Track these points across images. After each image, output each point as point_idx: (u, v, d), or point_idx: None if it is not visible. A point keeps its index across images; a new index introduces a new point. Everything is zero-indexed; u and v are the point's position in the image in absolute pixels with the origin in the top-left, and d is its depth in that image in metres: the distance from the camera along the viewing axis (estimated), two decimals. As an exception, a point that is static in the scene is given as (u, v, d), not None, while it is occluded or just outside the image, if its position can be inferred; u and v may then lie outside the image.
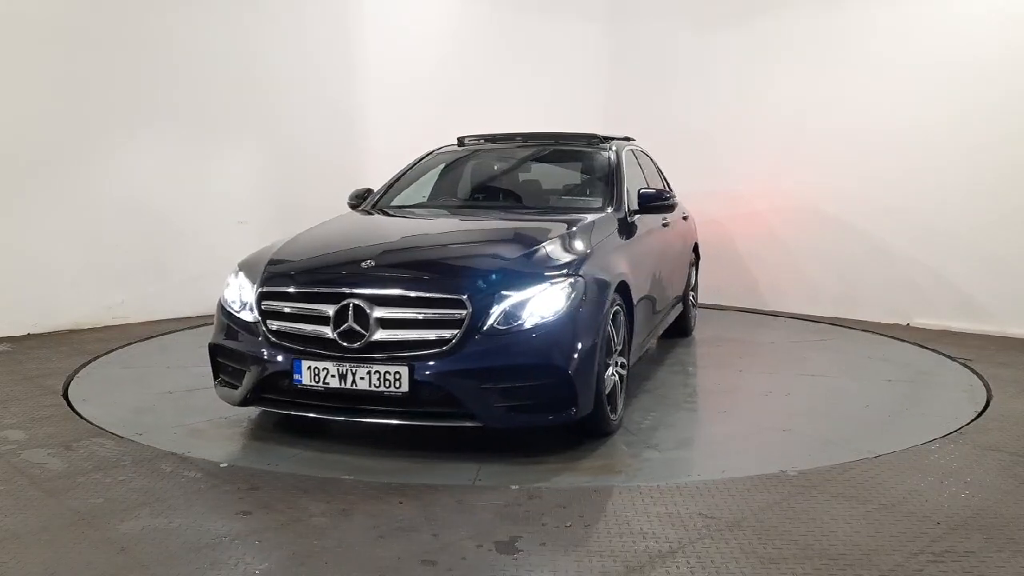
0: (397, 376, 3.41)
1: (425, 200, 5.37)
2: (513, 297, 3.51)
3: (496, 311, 3.47)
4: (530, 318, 3.49)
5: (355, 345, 3.48)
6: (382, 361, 3.44)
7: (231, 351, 3.83)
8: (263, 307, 3.74)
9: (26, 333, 6.32)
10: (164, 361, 5.56)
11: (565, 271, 3.68)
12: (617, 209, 4.68)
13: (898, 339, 6.41)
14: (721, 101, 8.20)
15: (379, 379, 3.43)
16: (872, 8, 7.18)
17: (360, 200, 5.26)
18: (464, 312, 3.45)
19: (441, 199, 5.39)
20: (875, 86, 7.13)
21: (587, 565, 2.62)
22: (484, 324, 3.44)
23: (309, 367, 3.51)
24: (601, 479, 3.40)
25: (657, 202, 4.86)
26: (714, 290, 7.89)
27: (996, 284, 6.57)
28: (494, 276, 3.59)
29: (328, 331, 3.53)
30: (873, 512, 3.03)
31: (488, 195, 5.43)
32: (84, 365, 5.36)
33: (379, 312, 3.48)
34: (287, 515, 3.00)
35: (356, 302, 3.50)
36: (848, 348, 6.16)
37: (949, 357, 5.71)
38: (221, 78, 7.22)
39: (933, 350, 5.95)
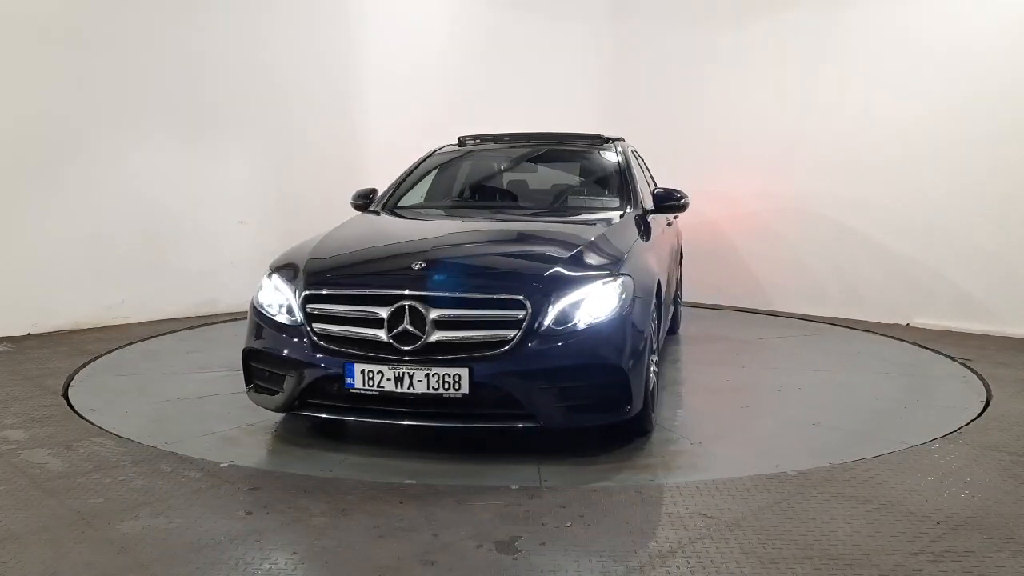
0: (457, 378, 3.36)
1: (439, 201, 5.31)
2: (568, 297, 3.50)
3: (552, 311, 3.46)
4: (585, 318, 3.49)
5: (411, 347, 3.40)
6: (440, 363, 3.38)
7: (269, 356, 3.72)
8: (308, 310, 3.62)
9: (26, 333, 6.32)
10: (168, 364, 5.51)
11: (614, 271, 3.71)
12: (634, 209, 4.76)
13: (898, 339, 6.41)
14: (720, 101, 8.21)
15: (438, 381, 3.36)
16: (872, 9, 7.18)
17: (364, 200, 5.18)
18: (523, 312, 3.43)
19: (456, 200, 5.34)
20: (875, 86, 7.14)
21: (587, 565, 2.62)
22: (541, 324, 3.43)
23: (362, 371, 3.42)
24: (662, 476, 3.44)
25: (671, 202, 4.91)
26: (713, 290, 7.90)
27: (996, 284, 6.57)
28: (549, 276, 3.58)
29: (382, 334, 3.44)
30: (873, 512, 3.03)
31: (504, 196, 5.40)
32: (84, 365, 5.36)
33: (435, 313, 3.42)
34: (287, 515, 3.01)
35: (412, 304, 3.43)
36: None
37: (949, 357, 5.71)
38: (221, 79, 7.22)
39: (933, 350, 5.95)
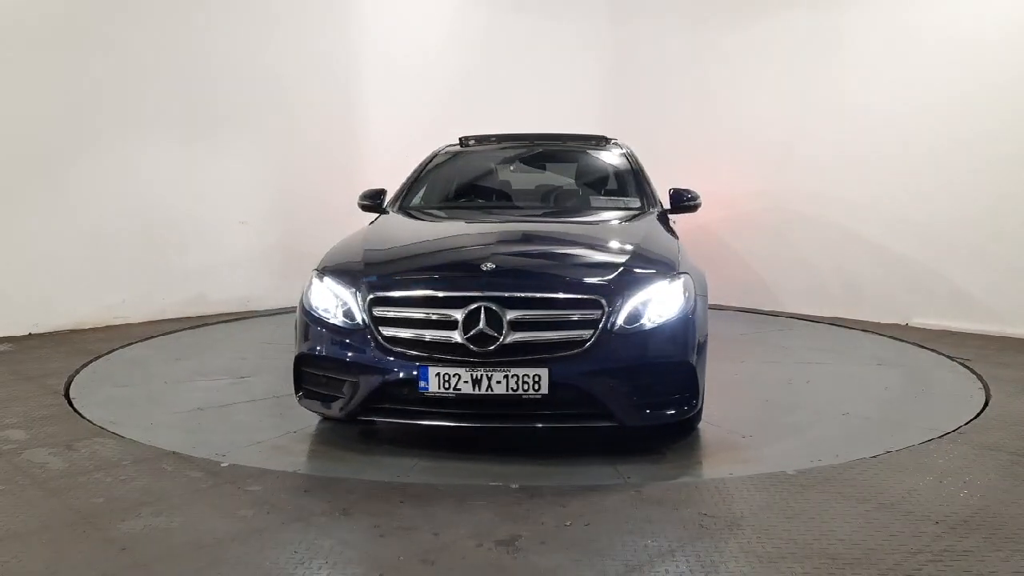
0: (536, 379, 3.34)
1: (457, 201, 5.26)
2: (638, 296, 3.53)
3: (624, 310, 3.48)
4: (653, 316, 3.52)
5: (487, 349, 3.37)
6: (519, 364, 3.36)
7: (327, 361, 3.63)
8: (375, 313, 3.53)
9: (27, 333, 6.33)
10: (174, 368, 5.38)
11: (675, 269, 3.76)
12: (655, 209, 4.86)
13: (897, 339, 6.41)
14: (720, 101, 8.22)
15: (517, 382, 3.34)
16: (871, 9, 7.19)
17: (373, 200, 5.08)
18: (600, 312, 3.45)
19: (476, 200, 5.30)
20: (874, 86, 7.15)
21: (587, 564, 2.63)
22: (614, 324, 3.45)
23: (437, 374, 3.36)
24: (722, 469, 3.50)
25: (686, 202, 4.98)
26: (712, 290, 7.89)
27: (995, 284, 6.57)
28: (621, 276, 3.61)
29: (456, 336, 3.40)
30: (872, 511, 3.04)
31: (525, 196, 5.38)
32: (85, 365, 5.37)
33: (512, 315, 3.40)
34: (288, 514, 3.01)
35: (488, 305, 3.40)
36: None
37: (948, 357, 5.71)
38: (222, 80, 7.23)
39: (932, 350, 5.96)
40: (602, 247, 4.12)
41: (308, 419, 4.08)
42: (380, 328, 3.51)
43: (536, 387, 3.35)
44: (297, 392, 3.79)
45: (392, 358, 3.45)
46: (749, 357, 5.75)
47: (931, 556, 2.68)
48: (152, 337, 6.32)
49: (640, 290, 3.55)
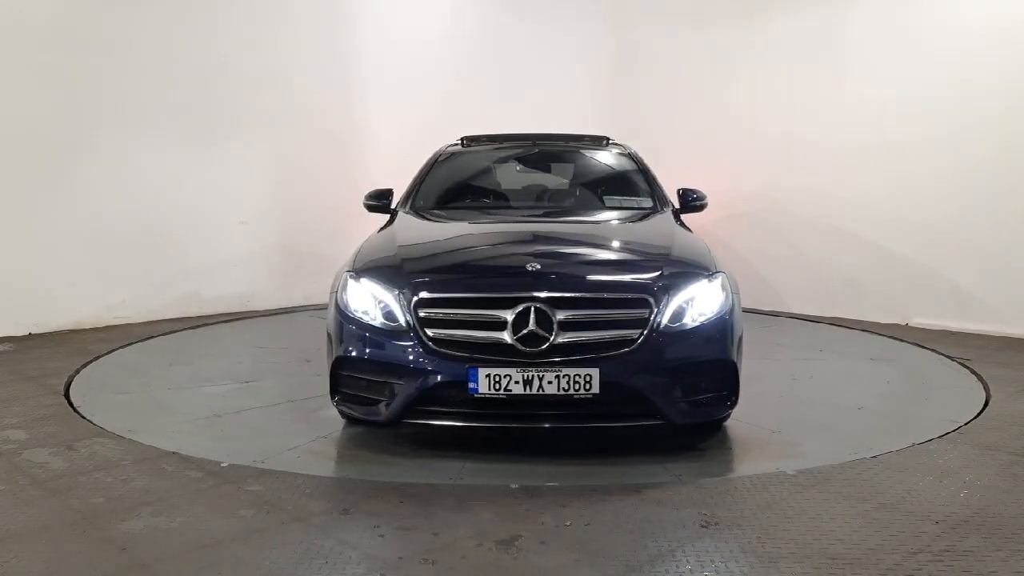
0: (587, 378, 3.34)
1: (472, 201, 5.23)
2: (681, 295, 3.57)
3: (668, 309, 3.51)
4: (696, 315, 3.57)
5: (537, 349, 3.36)
6: (570, 364, 3.35)
7: (370, 364, 3.56)
8: (420, 314, 3.47)
9: (27, 333, 6.33)
10: (178, 372, 5.27)
11: (713, 268, 3.81)
12: (667, 208, 4.91)
13: (897, 339, 6.41)
14: (720, 102, 8.22)
15: (568, 382, 3.33)
16: (871, 10, 7.19)
17: (381, 201, 5.03)
18: (648, 311, 3.48)
19: (491, 200, 5.29)
20: (874, 86, 7.15)
21: (587, 564, 2.63)
22: (660, 323, 3.48)
23: (488, 375, 3.34)
24: (769, 465, 3.55)
25: (694, 202, 5.05)
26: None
27: (995, 284, 6.57)
28: (666, 275, 3.64)
29: (506, 336, 3.38)
30: (872, 511, 3.04)
31: (540, 196, 5.37)
32: (85, 365, 5.37)
33: (562, 315, 3.39)
34: (288, 514, 3.01)
35: (538, 305, 3.39)
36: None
37: (948, 357, 5.71)
38: (222, 79, 7.23)
39: (932, 350, 5.96)
40: (637, 247, 4.14)
41: (334, 423, 4.04)
42: (426, 329, 3.46)
43: (587, 387, 3.35)
44: (333, 396, 3.71)
45: (439, 359, 3.41)
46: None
47: (931, 556, 2.68)
48: (152, 337, 6.32)
49: (683, 289, 3.59)
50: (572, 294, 3.50)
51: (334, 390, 3.70)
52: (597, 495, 3.20)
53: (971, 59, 6.58)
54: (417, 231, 4.44)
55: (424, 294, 3.52)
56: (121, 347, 5.93)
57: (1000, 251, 6.53)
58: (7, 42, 6.15)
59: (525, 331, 3.36)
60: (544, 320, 3.37)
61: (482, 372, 3.35)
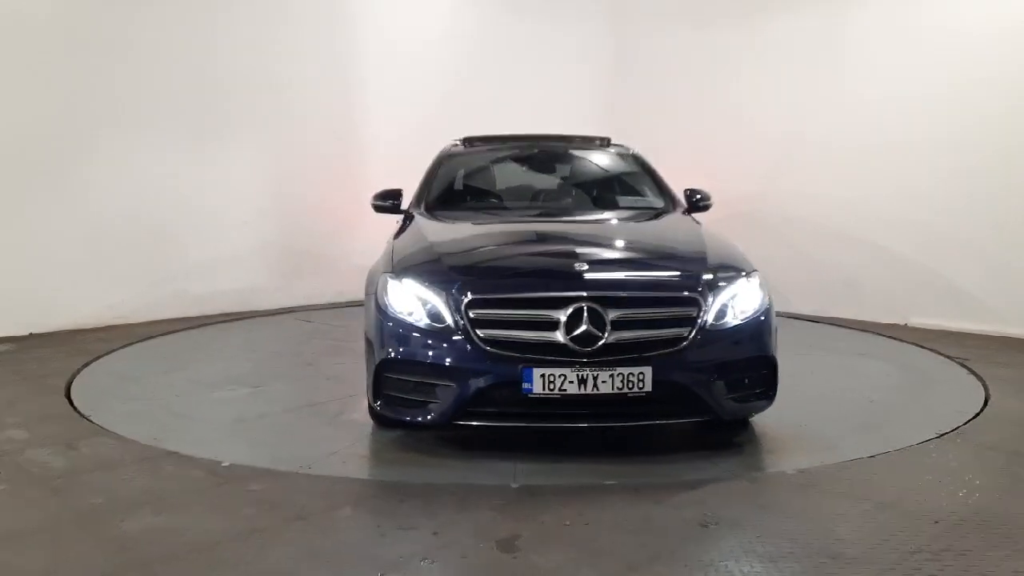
0: (641, 376, 3.36)
1: (490, 201, 5.21)
2: (725, 293, 3.63)
3: (714, 307, 3.56)
4: (740, 312, 3.63)
5: (590, 349, 3.37)
6: (624, 363, 3.37)
7: (419, 366, 3.50)
8: (471, 315, 3.44)
9: (28, 333, 6.33)
10: (183, 377, 5.11)
11: (750, 266, 3.88)
12: (678, 208, 4.97)
13: (896, 339, 6.42)
14: (721, 102, 8.21)
15: (622, 381, 3.35)
16: (872, 11, 7.19)
17: (390, 201, 4.99)
18: (697, 309, 3.52)
19: (508, 201, 5.26)
20: (874, 86, 7.15)
21: (587, 564, 2.63)
22: (706, 321, 3.53)
23: (542, 375, 3.33)
24: (812, 458, 3.61)
25: (700, 202, 5.09)
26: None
27: (995, 284, 6.57)
28: (712, 274, 3.69)
29: (559, 336, 3.37)
30: (871, 511, 3.04)
31: (555, 196, 5.36)
32: (86, 365, 5.36)
33: (614, 314, 3.40)
34: (288, 514, 3.01)
35: (591, 305, 3.40)
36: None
37: (947, 357, 5.71)
38: (222, 79, 7.23)
39: (931, 350, 5.96)
40: (673, 246, 4.16)
41: (363, 427, 4.01)
42: (477, 330, 3.43)
43: (640, 385, 3.37)
44: (375, 400, 3.65)
45: (491, 360, 3.39)
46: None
47: (930, 555, 2.68)
48: (152, 337, 6.31)
49: (726, 287, 3.65)
50: (624, 293, 3.56)
51: (376, 393, 3.63)
52: (597, 495, 3.21)
53: (971, 59, 6.57)
54: (449, 232, 4.37)
55: (476, 295, 3.49)
56: (121, 347, 5.92)
57: (1000, 251, 6.53)
58: (7, 42, 6.15)
59: (579, 331, 3.37)
60: (597, 319, 3.39)
61: (536, 372, 3.34)
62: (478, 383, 3.40)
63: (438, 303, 3.52)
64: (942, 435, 3.96)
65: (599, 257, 3.96)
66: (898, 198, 7.04)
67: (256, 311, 7.43)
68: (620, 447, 3.81)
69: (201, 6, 7.05)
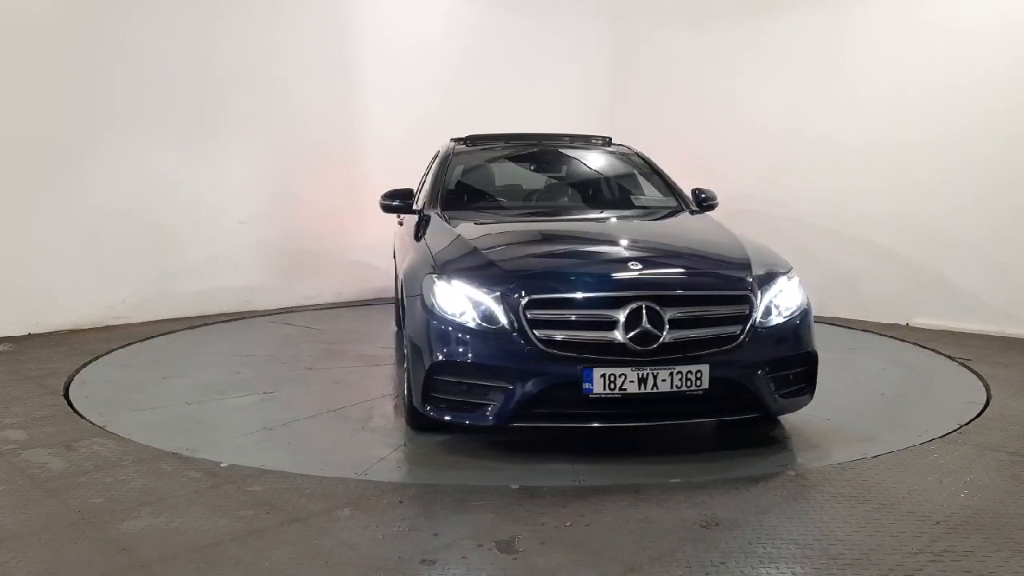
0: (699, 374, 3.39)
1: (508, 201, 5.20)
2: (771, 291, 3.69)
3: (762, 305, 3.62)
4: (784, 309, 3.71)
5: (648, 348, 3.38)
6: (682, 361, 3.40)
7: (474, 368, 3.47)
8: (529, 316, 3.42)
9: (27, 333, 6.32)
10: (188, 381, 4.97)
11: (786, 265, 3.94)
12: (689, 206, 5.01)
13: (898, 339, 6.41)
14: (720, 102, 8.22)
15: (681, 379, 3.38)
16: (872, 11, 7.19)
17: (401, 200, 4.91)
18: (749, 307, 3.58)
19: (527, 201, 5.28)
20: (874, 87, 7.15)
21: (587, 564, 2.63)
22: (757, 318, 3.58)
23: (603, 375, 3.33)
24: (854, 451, 3.71)
25: (707, 201, 5.11)
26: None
27: (995, 284, 6.57)
28: (756, 272, 3.75)
29: (618, 335, 3.38)
30: (872, 512, 3.04)
31: (571, 195, 5.37)
32: (85, 365, 5.36)
33: (671, 313, 3.43)
34: (287, 515, 3.01)
35: (650, 304, 3.42)
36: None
37: (948, 357, 5.71)
38: (222, 79, 7.22)
39: (933, 350, 5.96)
40: (716, 246, 4.15)
41: (398, 431, 3.97)
42: (535, 331, 3.41)
43: (698, 383, 3.40)
44: (425, 404, 3.59)
45: (550, 361, 3.38)
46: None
47: (931, 556, 2.67)
48: (152, 337, 6.30)
49: (772, 286, 3.72)
50: (681, 292, 3.58)
51: (426, 396, 3.58)
52: (597, 495, 3.20)
53: (972, 57, 6.56)
54: (485, 232, 4.28)
55: (534, 295, 3.47)
56: (121, 347, 5.92)
57: (1001, 251, 6.53)
58: (6, 42, 6.14)
59: (638, 330, 3.38)
60: (655, 318, 3.40)
61: (597, 372, 3.34)
62: (537, 384, 3.38)
63: (491, 304, 3.50)
64: (944, 435, 3.96)
65: (648, 256, 3.95)
66: (899, 197, 7.03)
67: (256, 311, 7.43)
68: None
69: (200, 5, 7.04)
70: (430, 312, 3.60)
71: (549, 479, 3.38)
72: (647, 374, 3.35)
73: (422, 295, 3.68)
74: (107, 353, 5.72)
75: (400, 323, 6.37)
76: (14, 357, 5.63)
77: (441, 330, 3.54)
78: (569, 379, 3.36)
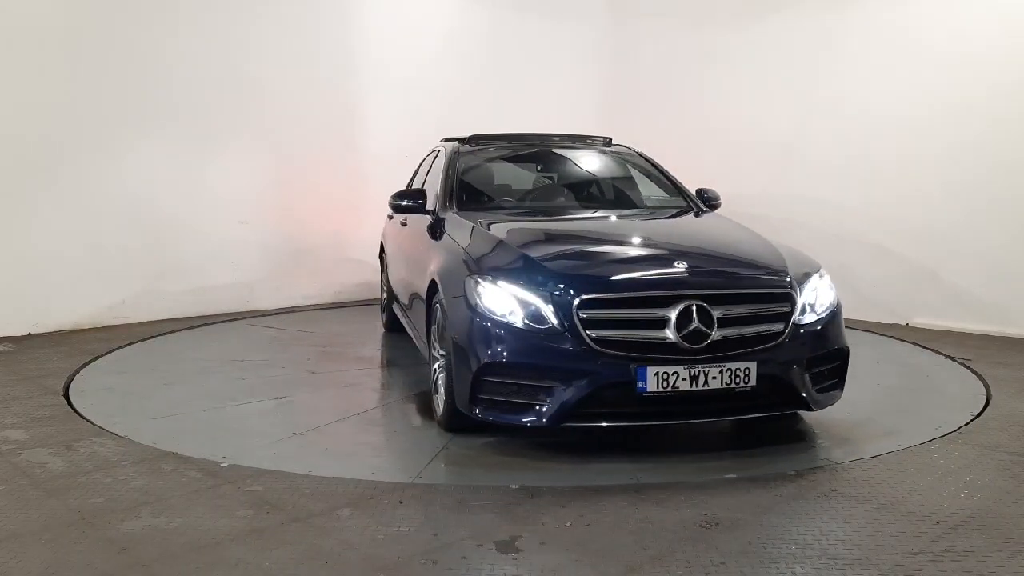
0: (747, 372, 3.46)
1: (525, 202, 5.21)
2: (808, 289, 3.78)
3: (800, 302, 3.70)
4: (819, 307, 3.79)
5: (698, 346, 3.42)
6: (732, 358, 3.45)
7: (525, 368, 3.46)
8: (583, 316, 3.42)
9: (27, 333, 6.32)
10: (193, 387, 4.87)
11: (815, 264, 4.02)
12: (697, 205, 5.08)
13: (898, 339, 6.41)
14: (719, 102, 8.21)
15: (730, 376, 3.44)
16: (871, 10, 7.19)
17: (413, 200, 4.84)
18: (791, 305, 3.66)
19: (544, 200, 5.31)
20: (874, 87, 7.14)
21: (587, 564, 2.62)
22: (797, 315, 3.66)
23: (656, 373, 3.36)
24: (881, 445, 3.78)
25: (711, 201, 5.18)
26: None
27: (996, 284, 6.56)
28: (798, 272, 3.82)
29: (669, 334, 3.41)
30: (872, 512, 3.04)
31: (586, 195, 5.38)
32: (85, 365, 5.35)
33: (719, 311, 3.48)
34: (287, 515, 3.01)
35: (700, 303, 3.45)
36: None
37: (948, 357, 5.71)
38: (221, 79, 7.22)
39: (933, 350, 5.95)
40: (751, 245, 4.17)
41: (435, 433, 3.92)
42: (588, 330, 3.42)
43: (747, 380, 3.46)
44: (472, 405, 3.57)
45: (603, 360, 3.40)
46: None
47: (931, 556, 2.67)
48: (152, 337, 6.30)
49: (807, 284, 3.80)
50: (729, 291, 3.64)
51: (474, 397, 3.56)
52: (597, 495, 3.20)
53: (972, 60, 6.56)
54: (517, 232, 4.26)
55: (587, 295, 3.48)
56: (121, 347, 5.92)
57: (1001, 251, 6.52)
58: (7, 42, 6.14)
59: (690, 328, 3.42)
60: (705, 317, 3.45)
61: (651, 371, 3.37)
62: (589, 384, 3.39)
63: (540, 304, 3.49)
64: (944, 435, 3.96)
65: (692, 255, 3.95)
66: (899, 197, 7.03)
67: (256, 311, 7.43)
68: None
69: (201, 6, 7.04)
70: (478, 313, 3.57)
71: (549, 479, 3.38)
72: (699, 372, 3.40)
73: (465, 296, 3.65)
74: (107, 353, 5.72)
75: (389, 326, 6.37)
76: (14, 357, 5.63)
77: (489, 331, 3.52)
78: (622, 378, 3.39)
